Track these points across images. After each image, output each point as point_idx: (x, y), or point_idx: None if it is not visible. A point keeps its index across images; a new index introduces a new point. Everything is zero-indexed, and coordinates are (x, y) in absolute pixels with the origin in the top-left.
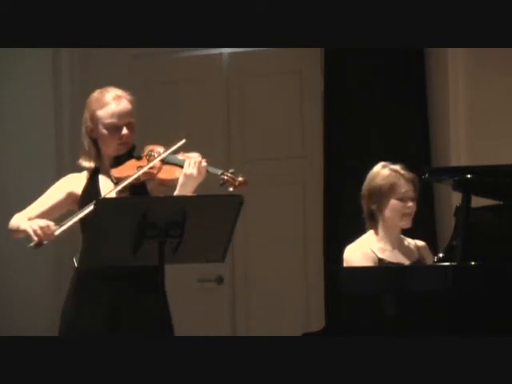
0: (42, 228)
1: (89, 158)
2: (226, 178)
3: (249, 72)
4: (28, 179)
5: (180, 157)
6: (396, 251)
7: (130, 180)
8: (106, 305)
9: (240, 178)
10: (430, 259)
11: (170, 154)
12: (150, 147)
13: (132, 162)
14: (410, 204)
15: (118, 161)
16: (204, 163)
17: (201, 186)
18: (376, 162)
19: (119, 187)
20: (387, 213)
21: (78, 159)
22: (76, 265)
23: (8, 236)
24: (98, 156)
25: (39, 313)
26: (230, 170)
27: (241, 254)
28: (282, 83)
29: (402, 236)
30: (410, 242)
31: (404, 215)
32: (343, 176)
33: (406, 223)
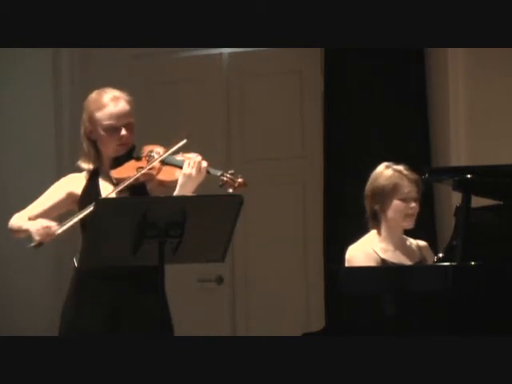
0: (43, 228)
1: (88, 160)
2: (225, 179)
3: (249, 72)
4: (28, 179)
5: (179, 157)
6: (398, 252)
7: (129, 181)
8: (105, 305)
9: (239, 180)
10: (431, 259)
11: (170, 154)
12: (148, 147)
13: (131, 163)
14: (413, 205)
15: (118, 162)
16: (204, 163)
17: (200, 186)
18: (376, 162)
19: (118, 188)
20: (390, 213)
21: (78, 160)
22: (76, 265)
23: (8, 236)
24: (97, 157)
25: (39, 313)
26: (230, 171)
27: (241, 254)
28: (282, 83)
29: (404, 236)
30: (412, 242)
31: (407, 216)
32: (343, 176)
33: (409, 224)
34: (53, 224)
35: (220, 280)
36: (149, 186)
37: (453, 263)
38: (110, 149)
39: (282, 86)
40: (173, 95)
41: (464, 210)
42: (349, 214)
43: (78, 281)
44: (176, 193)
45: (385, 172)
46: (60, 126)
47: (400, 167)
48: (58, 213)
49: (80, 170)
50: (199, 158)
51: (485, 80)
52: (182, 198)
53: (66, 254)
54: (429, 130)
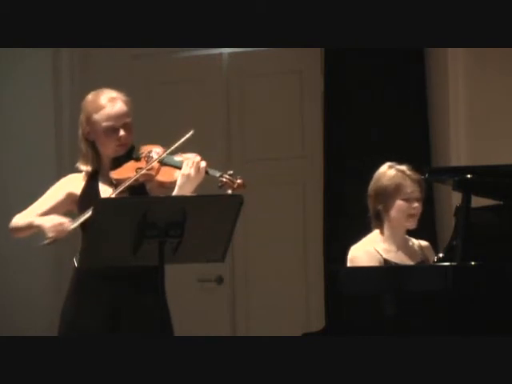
0: (57, 225)
1: (86, 161)
2: (224, 180)
3: (249, 72)
4: (28, 179)
5: (178, 158)
6: (401, 252)
7: (129, 182)
8: (105, 305)
9: (238, 181)
10: (433, 260)
11: (177, 146)
12: (147, 148)
13: (131, 164)
14: (416, 205)
15: (117, 162)
16: (203, 163)
17: (199, 187)
18: (376, 162)
19: (118, 190)
20: (393, 213)
21: (77, 162)
22: (76, 265)
23: (8, 236)
24: (96, 158)
25: (39, 313)
26: (229, 172)
27: (241, 254)
28: (282, 83)
29: (406, 236)
30: (415, 242)
31: (410, 216)
32: (343, 176)
33: (412, 224)
34: (65, 220)
35: (220, 280)
36: (148, 187)
37: (453, 263)
38: (109, 150)
39: (282, 86)
40: (173, 95)
41: (464, 209)
42: (349, 214)
43: (78, 281)
44: (175, 193)
45: (388, 172)
46: (60, 126)
47: (403, 167)
48: (58, 213)
49: (79, 170)
50: (198, 158)
51: (485, 80)
52: (182, 198)
53: (66, 254)
54: (429, 129)
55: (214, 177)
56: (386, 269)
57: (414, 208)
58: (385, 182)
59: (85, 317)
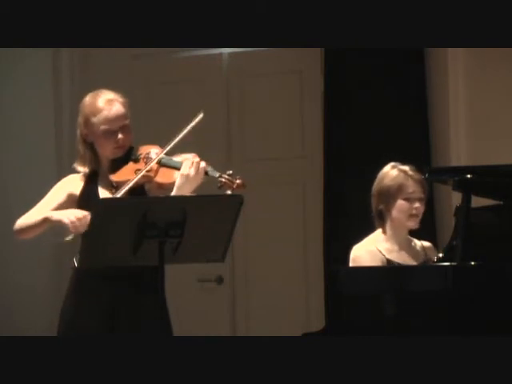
0: (82, 218)
1: (83, 162)
2: (223, 180)
3: (249, 72)
4: (28, 179)
5: (177, 158)
6: (403, 252)
7: (130, 185)
8: (105, 305)
9: (238, 181)
10: None
11: (189, 130)
12: (145, 148)
13: (130, 166)
14: (417, 205)
15: (116, 164)
16: (203, 164)
17: (199, 187)
18: (376, 162)
19: (120, 193)
20: (394, 213)
21: (74, 163)
22: (76, 265)
23: (8, 236)
24: (94, 159)
25: (39, 313)
26: (228, 172)
27: (241, 254)
28: (282, 83)
29: (409, 237)
30: (417, 242)
31: (411, 216)
32: (343, 176)
33: (414, 224)
34: (86, 213)
35: (220, 280)
36: (147, 187)
37: (453, 263)
38: (107, 152)
39: (282, 86)
40: (173, 95)
41: (464, 210)
42: (349, 214)
43: (78, 281)
44: (174, 193)
45: (390, 172)
46: (60, 126)
47: (406, 167)
48: None
49: (77, 171)
50: (197, 158)
51: (485, 80)
52: (182, 198)
53: (66, 253)
54: (429, 130)
55: (214, 177)
56: (386, 269)
57: (416, 208)
58: (387, 181)
59: (84, 316)
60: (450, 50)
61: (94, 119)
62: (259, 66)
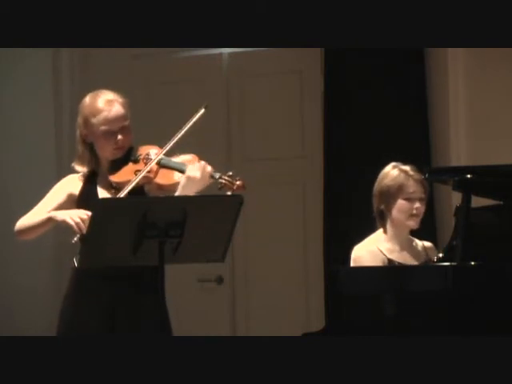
0: (84, 220)
1: (82, 162)
2: (223, 181)
3: (249, 72)
4: (28, 179)
5: (177, 159)
6: (405, 252)
7: (130, 186)
8: (105, 305)
9: (238, 182)
10: None
11: (192, 125)
12: (145, 148)
13: (129, 167)
14: (418, 205)
15: (116, 164)
16: (209, 168)
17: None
18: (376, 162)
19: (120, 195)
20: (395, 213)
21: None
22: (76, 265)
23: (8, 236)
24: (93, 160)
25: (39, 313)
26: (228, 173)
27: (241, 254)
28: (282, 83)
29: (410, 237)
30: (418, 243)
31: (411, 216)
32: (343, 176)
33: (414, 224)
34: (90, 213)
35: (220, 280)
36: (146, 188)
37: (453, 263)
38: (107, 152)
39: (282, 85)
40: (173, 95)
41: (464, 210)
42: (349, 214)
43: (78, 280)
44: (177, 193)
45: (391, 172)
46: (60, 126)
47: (406, 167)
48: None
49: (76, 171)
50: (203, 162)
51: (485, 80)
52: (182, 198)
53: (66, 253)
54: (429, 130)
55: (214, 179)
56: (386, 269)
57: (416, 208)
58: (388, 181)
59: (84, 316)
60: (449, 50)
61: (94, 120)
62: (259, 66)
